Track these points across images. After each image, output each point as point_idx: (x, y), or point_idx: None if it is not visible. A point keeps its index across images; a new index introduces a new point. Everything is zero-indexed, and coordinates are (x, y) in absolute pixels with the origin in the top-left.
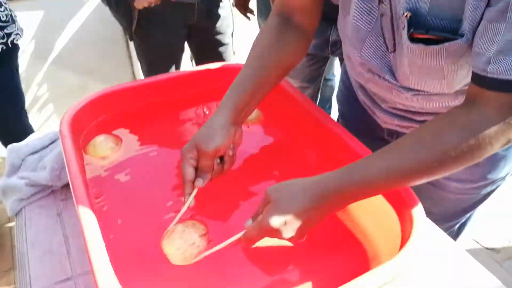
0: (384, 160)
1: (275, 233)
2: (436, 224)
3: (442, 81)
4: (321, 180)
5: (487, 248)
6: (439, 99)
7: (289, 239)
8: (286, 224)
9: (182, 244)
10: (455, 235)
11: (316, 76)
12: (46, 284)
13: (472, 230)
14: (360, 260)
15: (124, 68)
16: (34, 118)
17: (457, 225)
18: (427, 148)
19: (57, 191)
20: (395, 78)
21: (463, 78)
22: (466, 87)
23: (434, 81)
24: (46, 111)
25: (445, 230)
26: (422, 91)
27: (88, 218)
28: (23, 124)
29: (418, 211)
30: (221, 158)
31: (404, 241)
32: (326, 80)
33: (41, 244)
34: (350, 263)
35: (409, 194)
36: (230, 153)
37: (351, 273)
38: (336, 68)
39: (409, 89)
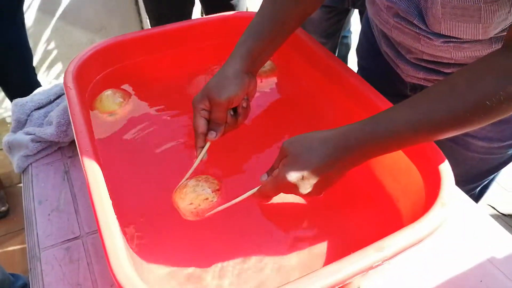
0: (412, 110)
1: (292, 188)
2: (457, 186)
3: (478, 25)
4: (342, 133)
5: (504, 215)
6: (471, 47)
7: (306, 195)
8: (303, 179)
9: (195, 198)
10: (476, 198)
11: (334, 31)
12: (54, 242)
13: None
14: (379, 220)
15: (133, 24)
16: (43, 77)
17: (479, 188)
18: (460, 97)
19: (65, 148)
20: (425, 23)
21: (501, 22)
22: (503, 34)
23: (469, 24)
24: (56, 69)
25: (466, 192)
26: (454, 37)
27: (94, 175)
28: (31, 80)
29: (445, 170)
30: (235, 110)
31: (429, 202)
32: (342, 37)
33: (48, 202)
34: (368, 223)
35: (434, 150)
36: (244, 104)
37: (369, 234)
38: (353, 24)
39: (439, 36)
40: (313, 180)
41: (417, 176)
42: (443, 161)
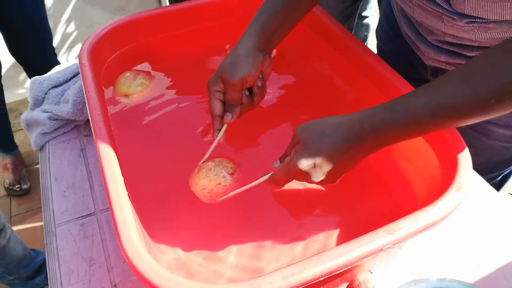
0: (432, 94)
1: (304, 176)
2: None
3: (505, 4)
4: (357, 118)
5: None
6: (497, 28)
7: (319, 183)
8: (315, 167)
9: (207, 184)
10: (496, 187)
11: (350, 13)
12: (69, 218)
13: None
14: (393, 208)
15: (152, 4)
16: (63, 58)
17: (500, 177)
18: (483, 81)
19: (81, 126)
20: (448, 2)
21: None
22: None
23: (495, 4)
24: (75, 50)
25: (487, 182)
26: (479, 18)
27: (107, 152)
28: (51, 59)
29: (463, 153)
30: (250, 91)
31: (445, 185)
32: (362, 17)
33: (64, 179)
34: (382, 210)
35: (452, 132)
36: (259, 83)
37: (382, 220)
38: (373, 3)
39: (463, 16)
40: (326, 168)
41: (433, 159)
42: (460, 143)
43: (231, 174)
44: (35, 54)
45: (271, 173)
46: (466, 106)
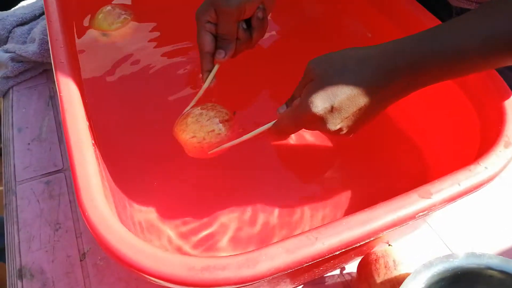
0: (485, 20)
1: (317, 122)
2: None
3: None
4: (387, 50)
5: None
6: None
7: (333, 133)
8: (333, 111)
9: (198, 130)
10: None
11: None
12: (33, 175)
13: None
14: (418, 169)
15: None
16: None
17: None
18: None
19: (50, 70)
20: None
21: None
22: None
23: None
24: None
25: None
26: None
27: (68, 90)
28: None
29: (509, 102)
30: (248, 24)
31: (487, 142)
32: None
33: (29, 130)
34: (404, 171)
35: (496, 80)
36: (260, 14)
37: (401, 185)
38: None
39: None
40: (346, 113)
41: (468, 109)
42: (504, 89)
43: (225, 121)
44: None
45: (275, 121)
46: None
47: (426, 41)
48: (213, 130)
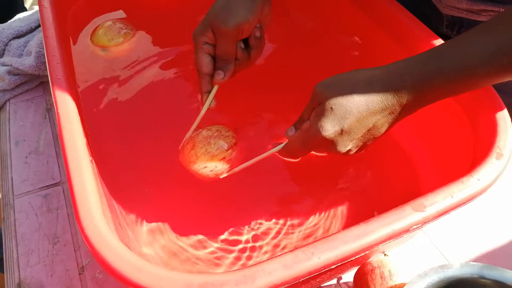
0: (489, 37)
1: (327, 145)
2: None
3: None
4: (394, 71)
5: None
6: None
7: (343, 154)
8: (343, 134)
9: (210, 160)
10: None
11: None
12: (30, 188)
13: None
14: (410, 180)
15: None
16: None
17: None
18: None
19: (47, 83)
20: None
21: None
22: None
23: None
24: None
25: None
26: None
27: (65, 105)
28: (14, 3)
29: (503, 117)
30: (246, 43)
31: (480, 154)
32: None
33: (26, 143)
34: (396, 182)
35: (489, 92)
36: (257, 33)
37: (394, 196)
38: None
39: None
40: (355, 135)
41: (462, 120)
42: (496, 100)
43: (234, 145)
44: None
45: (283, 144)
46: None
47: (434, 60)
48: (224, 158)
